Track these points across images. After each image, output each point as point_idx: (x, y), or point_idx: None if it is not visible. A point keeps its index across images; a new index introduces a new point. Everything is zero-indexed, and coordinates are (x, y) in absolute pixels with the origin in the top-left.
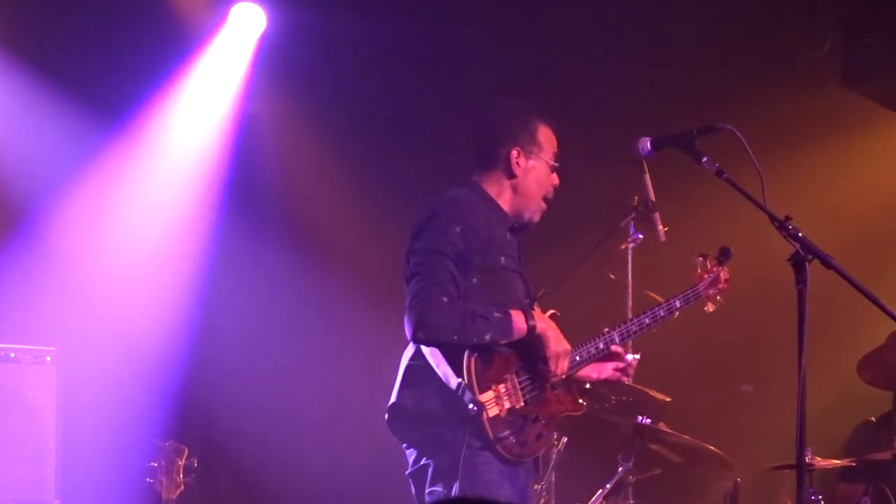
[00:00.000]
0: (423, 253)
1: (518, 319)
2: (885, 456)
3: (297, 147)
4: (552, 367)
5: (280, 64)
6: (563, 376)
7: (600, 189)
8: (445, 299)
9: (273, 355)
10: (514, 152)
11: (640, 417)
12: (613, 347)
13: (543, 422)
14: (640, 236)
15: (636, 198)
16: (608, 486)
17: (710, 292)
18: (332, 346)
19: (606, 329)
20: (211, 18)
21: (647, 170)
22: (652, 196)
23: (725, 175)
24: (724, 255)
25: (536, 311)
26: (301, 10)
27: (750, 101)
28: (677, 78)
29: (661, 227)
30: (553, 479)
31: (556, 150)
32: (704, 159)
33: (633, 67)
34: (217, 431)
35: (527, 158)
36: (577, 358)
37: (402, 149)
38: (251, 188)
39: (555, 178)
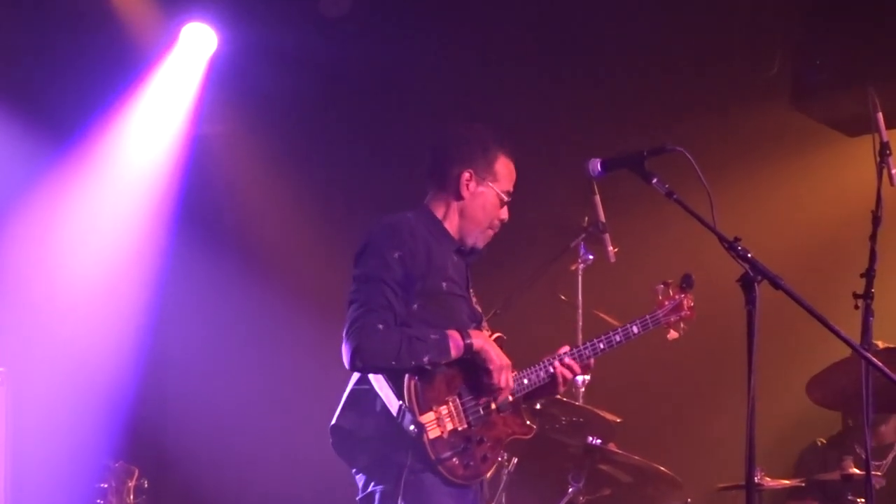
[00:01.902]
0: (361, 280)
1: (455, 338)
2: (833, 476)
3: (248, 166)
4: (495, 381)
5: (231, 83)
6: (510, 397)
7: (551, 210)
8: (381, 326)
9: (224, 375)
10: (466, 174)
11: (591, 438)
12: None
13: (489, 444)
14: (591, 257)
15: (586, 219)
16: None
17: (672, 319)
18: (283, 365)
19: (558, 352)
20: (162, 38)
21: (597, 191)
22: (602, 217)
23: (675, 196)
24: (686, 283)
25: (474, 331)
26: (251, 30)
27: (700, 123)
28: (628, 99)
29: (611, 247)
30: (503, 500)
31: (512, 187)
32: (655, 180)
33: (584, 88)
34: (168, 452)
35: (478, 183)
36: (526, 381)
37: (353, 168)
38: (202, 207)
39: (504, 213)
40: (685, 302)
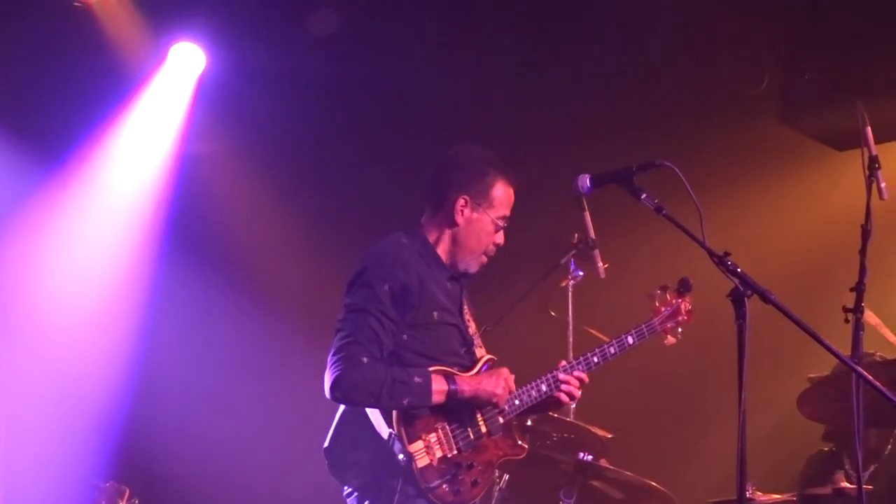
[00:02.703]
0: (350, 309)
1: (439, 383)
2: (825, 491)
3: (237, 185)
4: (500, 405)
5: (220, 102)
6: (501, 419)
7: (541, 227)
8: (365, 359)
9: (215, 393)
10: (462, 200)
11: (582, 454)
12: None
13: (479, 468)
14: (581, 273)
15: (576, 235)
16: None
17: (669, 325)
18: (274, 383)
19: (552, 370)
20: (150, 58)
21: (587, 207)
22: (592, 233)
23: (665, 211)
24: (683, 287)
25: (461, 376)
26: (240, 49)
27: (690, 138)
28: (618, 115)
29: (601, 263)
30: None
31: (509, 212)
32: (644, 196)
33: (575, 104)
34: (158, 471)
35: (472, 210)
36: (517, 402)
37: (344, 186)
38: (192, 227)
39: (499, 238)
40: (682, 306)
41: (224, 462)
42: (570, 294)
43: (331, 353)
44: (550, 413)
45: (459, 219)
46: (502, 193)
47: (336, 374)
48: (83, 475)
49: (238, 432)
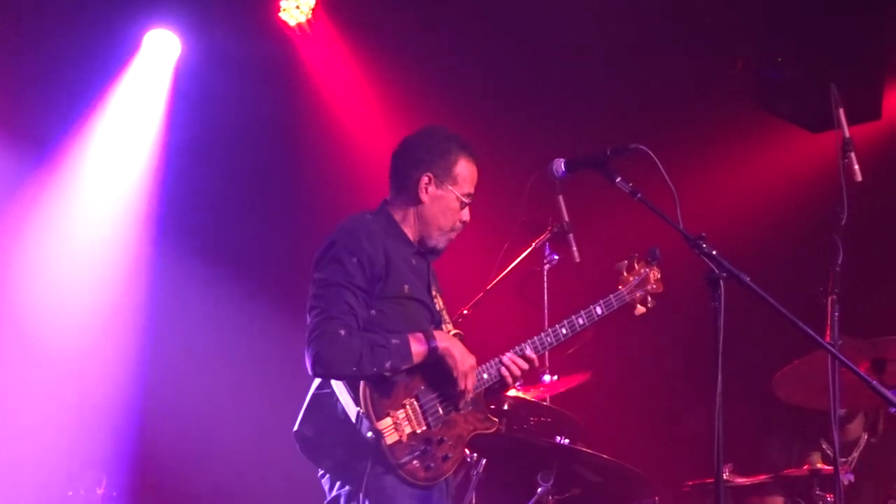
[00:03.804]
0: (321, 285)
1: (417, 342)
2: (801, 472)
3: (222, 167)
4: (461, 385)
5: (197, 87)
6: (470, 395)
7: (515, 211)
8: (343, 332)
9: (201, 382)
10: (425, 178)
11: (559, 437)
12: (527, 353)
13: (450, 443)
14: (556, 257)
15: (551, 219)
16: None
17: (638, 294)
18: (257, 370)
19: (520, 344)
20: (125, 45)
21: (561, 191)
22: (566, 217)
23: (639, 195)
24: (651, 256)
25: (438, 332)
26: (215, 34)
27: (664, 121)
28: (592, 99)
29: (576, 247)
30: (473, 500)
31: (473, 190)
32: (618, 179)
33: (546, 87)
34: (139, 460)
35: (437, 187)
36: (486, 376)
37: (316, 172)
38: (179, 212)
39: (465, 215)
40: (651, 275)
41: (208, 451)
42: (545, 278)
43: (308, 331)
44: (528, 397)
45: (424, 196)
46: (466, 170)
47: (316, 350)
48: (61, 463)
49: (222, 422)
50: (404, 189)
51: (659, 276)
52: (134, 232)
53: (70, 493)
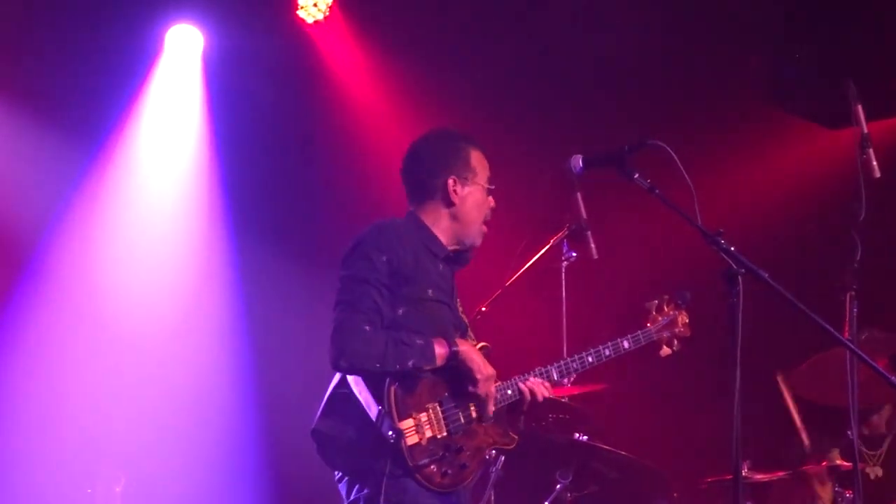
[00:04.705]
0: (349, 281)
1: (440, 345)
2: (818, 468)
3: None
4: (480, 390)
5: (223, 81)
6: (493, 407)
7: (532, 209)
8: (368, 328)
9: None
10: (451, 181)
11: (578, 434)
12: (553, 377)
13: (469, 452)
14: (574, 254)
15: (569, 216)
16: (547, 503)
17: (665, 335)
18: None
19: (545, 365)
20: (150, 42)
21: (579, 188)
22: (584, 214)
23: (657, 191)
24: (682, 299)
25: (461, 339)
26: (235, 31)
27: (681, 118)
28: (609, 96)
29: (593, 244)
30: (492, 497)
31: (489, 173)
32: (636, 176)
33: (563, 86)
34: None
35: (463, 185)
36: (509, 392)
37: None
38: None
39: (491, 201)
40: (679, 318)
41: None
42: (563, 275)
43: (332, 326)
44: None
45: (455, 198)
46: (478, 160)
47: (340, 345)
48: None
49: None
50: (429, 195)
51: (687, 320)
52: (198, 220)
53: (89, 490)
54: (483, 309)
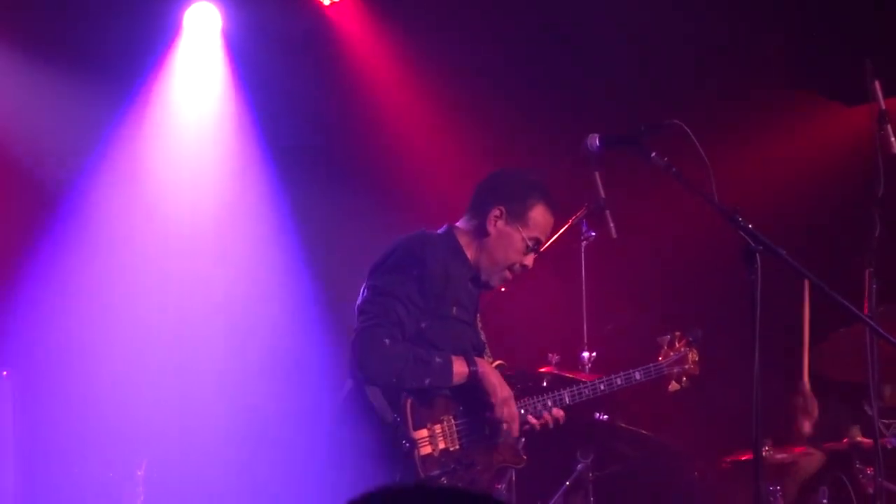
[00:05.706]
0: (377, 292)
1: (459, 364)
2: (840, 446)
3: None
4: (497, 414)
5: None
6: (506, 425)
7: (553, 188)
8: (388, 341)
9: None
10: (496, 211)
11: (598, 414)
12: (566, 401)
13: (479, 468)
14: (593, 234)
15: (587, 196)
16: (567, 483)
17: (675, 371)
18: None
19: (558, 390)
20: (167, 22)
21: (597, 167)
22: (602, 193)
23: (674, 170)
24: (694, 338)
25: (480, 359)
26: (252, 7)
27: (697, 97)
28: (627, 76)
29: (612, 224)
30: (513, 477)
31: (543, 238)
32: (653, 155)
33: (580, 66)
34: (179, 443)
35: (506, 223)
36: (522, 411)
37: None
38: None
39: (528, 260)
40: (690, 356)
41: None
42: (582, 255)
43: (355, 333)
44: (564, 373)
45: (491, 228)
46: (541, 217)
47: (360, 355)
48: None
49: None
50: (476, 215)
51: (697, 358)
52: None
53: (111, 474)
54: (503, 289)
